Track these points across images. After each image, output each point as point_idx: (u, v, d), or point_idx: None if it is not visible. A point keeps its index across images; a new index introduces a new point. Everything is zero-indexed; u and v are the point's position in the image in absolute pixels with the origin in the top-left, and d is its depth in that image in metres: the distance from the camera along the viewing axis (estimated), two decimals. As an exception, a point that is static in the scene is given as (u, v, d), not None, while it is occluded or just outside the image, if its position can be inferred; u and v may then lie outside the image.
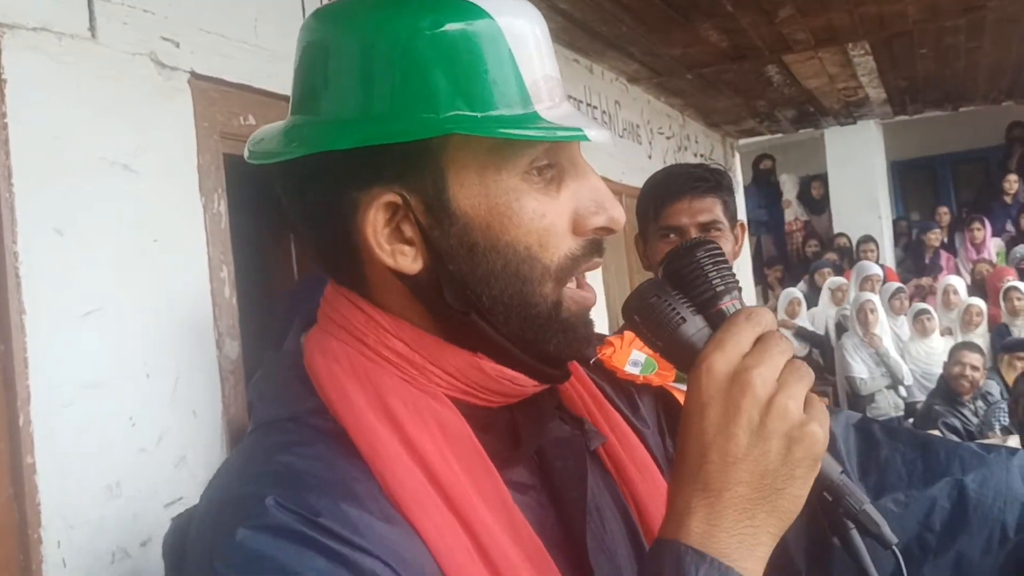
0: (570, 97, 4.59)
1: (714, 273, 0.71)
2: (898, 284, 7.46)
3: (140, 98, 2.23)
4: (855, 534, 0.70)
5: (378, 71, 0.67)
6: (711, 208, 1.78)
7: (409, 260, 0.69)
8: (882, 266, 7.92)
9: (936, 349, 6.22)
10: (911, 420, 5.65)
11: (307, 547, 0.60)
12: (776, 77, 6.10)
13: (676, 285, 0.71)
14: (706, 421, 0.64)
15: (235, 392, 2.43)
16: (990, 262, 8.10)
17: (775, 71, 5.92)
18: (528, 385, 0.73)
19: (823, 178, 9.77)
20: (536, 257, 0.69)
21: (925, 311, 6.52)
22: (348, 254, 0.71)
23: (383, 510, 0.64)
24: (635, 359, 1.36)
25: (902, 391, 6.10)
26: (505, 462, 0.71)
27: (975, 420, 4.98)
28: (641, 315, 0.71)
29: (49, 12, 2.01)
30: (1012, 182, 9.03)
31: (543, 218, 0.69)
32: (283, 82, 2.66)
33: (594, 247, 0.72)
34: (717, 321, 0.69)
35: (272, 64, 2.64)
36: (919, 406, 5.77)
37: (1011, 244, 8.63)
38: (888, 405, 5.96)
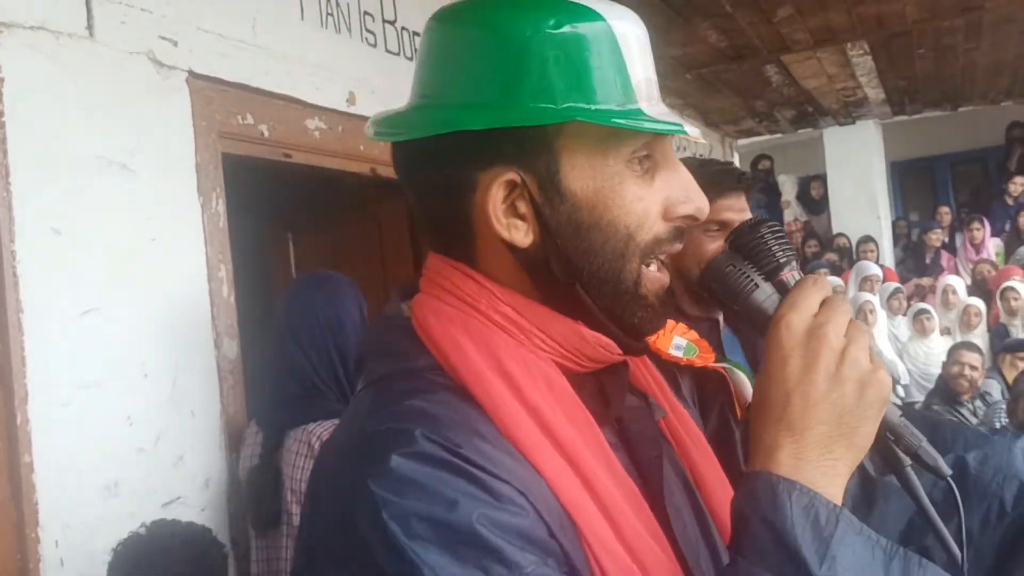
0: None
1: (776, 247, 0.83)
2: (896, 284, 7.46)
3: (138, 97, 2.23)
4: (911, 470, 0.80)
5: (505, 64, 0.75)
6: (747, 206, 1.86)
7: (522, 234, 0.77)
8: (881, 266, 7.92)
9: (935, 349, 6.21)
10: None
11: (454, 473, 0.68)
12: (775, 77, 6.10)
13: (745, 257, 0.83)
14: (788, 370, 0.73)
15: (233, 392, 2.43)
16: (991, 262, 8.08)
17: (774, 71, 5.92)
18: (616, 353, 0.81)
19: (822, 178, 9.76)
20: (632, 236, 0.78)
21: (925, 311, 6.51)
22: (462, 228, 0.79)
23: (507, 449, 0.72)
24: (677, 343, 1.49)
25: (900, 391, 6.10)
26: (598, 420, 0.79)
27: (974, 420, 4.98)
28: (718, 283, 0.83)
29: (47, 11, 2.01)
30: (1018, 184, 9.00)
31: (641, 201, 0.78)
32: (280, 81, 2.67)
33: (677, 233, 0.81)
34: (781, 288, 0.81)
35: (270, 63, 2.64)
36: (917, 406, 5.77)
37: (1010, 244, 8.63)
38: (887, 405, 5.96)
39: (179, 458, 2.23)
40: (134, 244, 2.18)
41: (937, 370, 5.59)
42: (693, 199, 0.80)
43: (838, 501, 0.70)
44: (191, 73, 2.38)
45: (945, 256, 8.87)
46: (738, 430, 1.48)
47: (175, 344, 2.26)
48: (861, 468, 0.91)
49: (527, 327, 0.79)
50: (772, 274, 0.83)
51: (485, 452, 0.70)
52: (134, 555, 1.84)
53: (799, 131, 8.74)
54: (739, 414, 1.55)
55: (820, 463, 0.71)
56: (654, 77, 0.80)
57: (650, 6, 4.24)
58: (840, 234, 9.12)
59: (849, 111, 8.08)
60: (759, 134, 8.51)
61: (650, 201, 0.78)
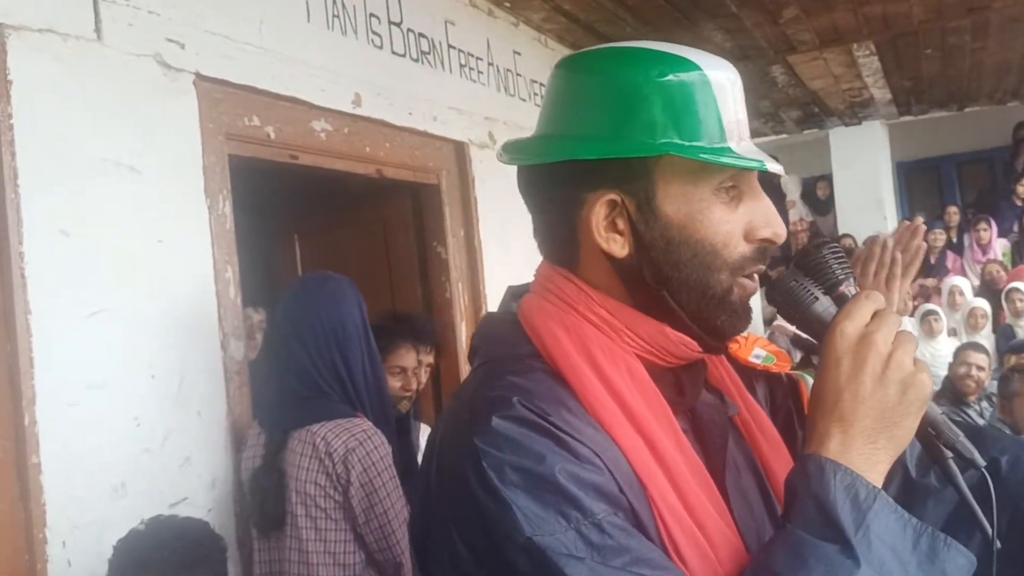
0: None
1: (836, 265, 0.95)
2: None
3: (145, 99, 2.24)
4: (952, 462, 0.89)
5: (617, 105, 0.90)
6: None
7: (619, 246, 0.91)
8: (888, 267, 7.88)
9: (942, 351, 6.18)
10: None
11: (542, 434, 0.82)
12: (781, 78, 6.09)
13: (807, 274, 0.95)
14: (840, 371, 0.85)
15: (240, 392, 2.44)
16: (1000, 263, 8.04)
17: (780, 72, 5.92)
18: (696, 351, 0.94)
19: (828, 179, 9.74)
20: (718, 252, 0.91)
21: (933, 312, 6.48)
22: (570, 238, 0.94)
23: (589, 421, 0.86)
24: (757, 353, 1.70)
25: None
26: (673, 407, 0.91)
27: (980, 421, 4.96)
28: (783, 296, 0.94)
29: (55, 14, 2.02)
30: None
31: (726, 224, 0.91)
32: (287, 83, 2.67)
33: (760, 254, 0.93)
34: (839, 301, 0.92)
35: (277, 65, 2.65)
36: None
37: (1018, 245, 8.59)
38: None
39: (186, 459, 2.24)
40: (141, 245, 2.19)
41: (944, 371, 5.56)
42: (772, 225, 0.93)
43: (878, 484, 0.81)
44: (198, 75, 2.39)
45: (951, 257, 8.84)
46: (801, 430, 1.52)
47: (182, 345, 2.27)
48: (904, 470, 1.02)
49: (617, 326, 0.92)
50: (831, 289, 0.94)
51: (569, 421, 0.84)
52: (131, 550, 1.85)
53: (805, 132, 8.73)
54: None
55: (864, 451, 0.82)
56: (744, 118, 0.94)
57: (654, 7, 4.24)
58: (846, 235, 9.09)
59: (855, 111, 8.06)
60: (765, 135, 8.50)
61: (734, 224, 0.91)
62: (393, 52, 3.30)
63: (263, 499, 2.20)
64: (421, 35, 3.49)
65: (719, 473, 0.93)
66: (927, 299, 7.38)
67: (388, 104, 3.21)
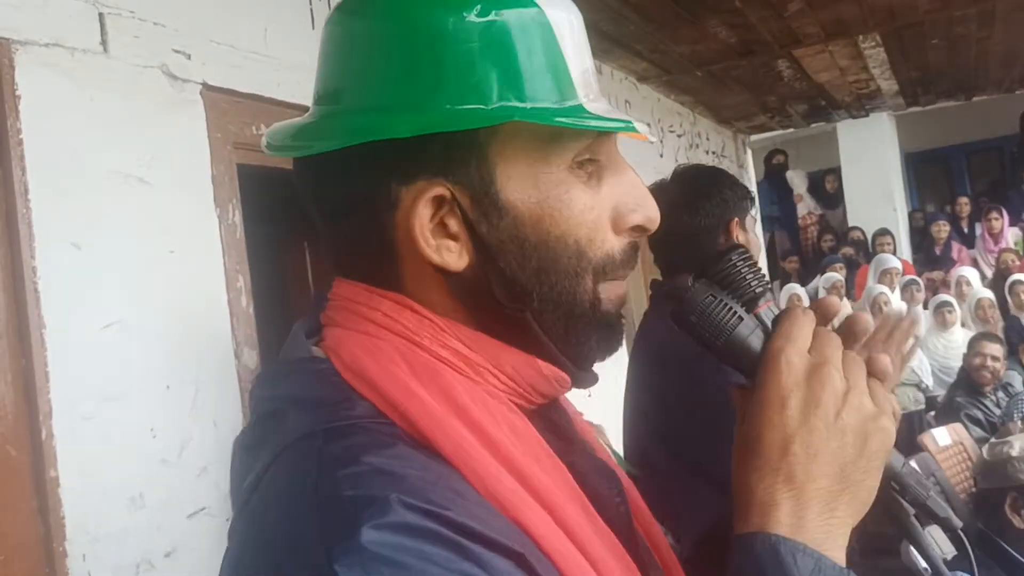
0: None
1: (750, 275, 0.74)
2: (911, 276, 7.41)
3: (153, 111, 2.24)
4: (915, 521, 0.72)
5: (424, 60, 0.64)
6: None
7: (455, 256, 0.67)
8: (899, 260, 7.87)
9: (955, 342, 6.16)
10: (932, 413, 5.61)
11: (441, 545, 0.55)
12: (786, 72, 6.07)
13: (721, 287, 0.73)
14: (787, 413, 0.65)
15: (254, 401, 2.44)
16: (1015, 251, 7.99)
17: (785, 66, 5.89)
18: (565, 387, 0.73)
19: (836, 172, 9.71)
20: (583, 252, 0.68)
21: (947, 303, 6.45)
22: (382, 251, 0.68)
23: (488, 507, 0.61)
24: None
25: (923, 385, 6.05)
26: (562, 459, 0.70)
27: (997, 411, 4.94)
28: (697, 315, 0.72)
29: (61, 28, 2.02)
30: None
31: (591, 211, 0.68)
32: (293, 91, 2.67)
33: (631, 250, 0.72)
34: (760, 322, 0.72)
35: (282, 73, 2.65)
36: (940, 399, 5.73)
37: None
38: (908, 400, 5.91)
39: (203, 469, 2.24)
40: (153, 257, 2.19)
41: (957, 363, 5.55)
42: (643, 207, 0.71)
43: (842, 563, 0.63)
44: (205, 85, 2.39)
45: (956, 247, 8.78)
46: None
47: (196, 355, 2.27)
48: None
49: (478, 362, 0.68)
50: (749, 306, 0.73)
51: (472, 512, 0.58)
52: None
53: (812, 125, 8.70)
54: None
55: (822, 521, 0.64)
56: (592, 68, 0.71)
57: (658, 4, 4.23)
58: (855, 227, 9.07)
59: (862, 104, 8.03)
60: (772, 129, 8.48)
61: (600, 211, 0.69)
62: (398, 57, 3.30)
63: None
64: (426, 39, 3.49)
65: (620, 529, 0.72)
66: (934, 292, 7.35)
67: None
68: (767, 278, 0.76)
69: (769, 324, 0.72)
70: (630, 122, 0.68)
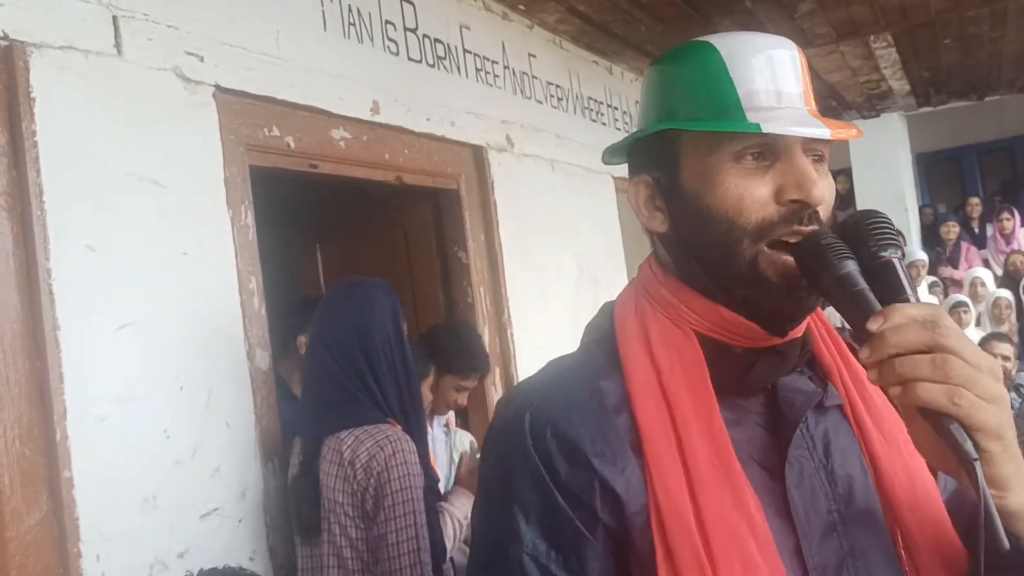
0: (590, 99, 4.44)
1: (887, 231, 0.86)
2: (933, 278, 7.39)
3: (166, 113, 2.25)
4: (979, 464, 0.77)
5: (647, 96, 1.00)
6: None
7: (658, 223, 0.97)
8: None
9: (970, 342, 6.13)
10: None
11: (526, 467, 0.90)
12: (797, 72, 6.04)
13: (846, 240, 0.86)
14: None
15: (267, 402, 2.45)
16: (1023, 253, 7.94)
17: (796, 66, 5.86)
18: (761, 335, 0.91)
19: (848, 172, 9.67)
20: (732, 219, 0.89)
21: (962, 304, 6.42)
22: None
23: (614, 423, 0.89)
24: None
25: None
26: (729, 389, 0.91)
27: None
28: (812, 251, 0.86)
29: (75, 31, 2.03)
30: None
31: (736, 188, 0.89)
32: (305, 93, 2.68)
33: (790, 215, 0.88)
34: (881, 272, 0.84)
35: (294, 75, 2.66)
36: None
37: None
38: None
39: (216, 469, 2.25)
40: (166, 258, 2.20)
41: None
42: (803, 186, 0.87)
43: None
44: (217, 87, 2.40)
45: (964, 248, 8.72)
46: None
47: (209, 356, 2.28)
48: None
49: (676, 304, 0.94)
50: (873, 258, 0.85)
51: (577, 435, 0.88)
52: None
53: (823, 126, 8.64)
54: None
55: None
56: (788, 88, 0.92)
57: (669, 5, 4.23)
58: (867, 227, 9.00)
59: (873, 104, 8.00)
60: (783, 130, 8.43)
61: (751, 188, 0.88)
62: (409, 58, 3.31)
63: (299, 506, 2.21)
64: (436, 40, 3.50)
65: (781, 468, 0.90)
66: (944, 290, 7.32)
67: (406, 110, 3.22)
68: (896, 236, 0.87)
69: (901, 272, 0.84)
70: (758, 125, 0.86)
